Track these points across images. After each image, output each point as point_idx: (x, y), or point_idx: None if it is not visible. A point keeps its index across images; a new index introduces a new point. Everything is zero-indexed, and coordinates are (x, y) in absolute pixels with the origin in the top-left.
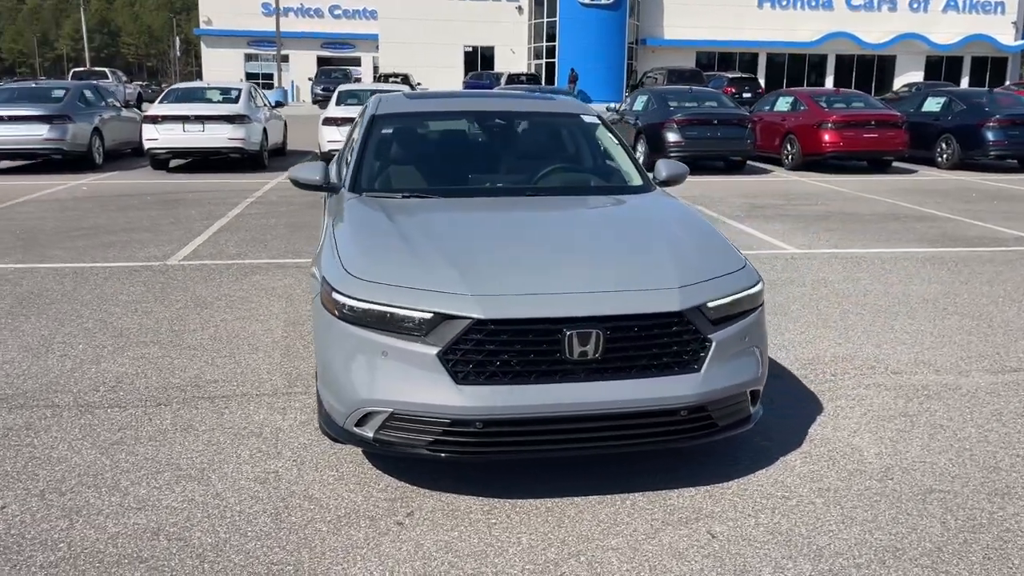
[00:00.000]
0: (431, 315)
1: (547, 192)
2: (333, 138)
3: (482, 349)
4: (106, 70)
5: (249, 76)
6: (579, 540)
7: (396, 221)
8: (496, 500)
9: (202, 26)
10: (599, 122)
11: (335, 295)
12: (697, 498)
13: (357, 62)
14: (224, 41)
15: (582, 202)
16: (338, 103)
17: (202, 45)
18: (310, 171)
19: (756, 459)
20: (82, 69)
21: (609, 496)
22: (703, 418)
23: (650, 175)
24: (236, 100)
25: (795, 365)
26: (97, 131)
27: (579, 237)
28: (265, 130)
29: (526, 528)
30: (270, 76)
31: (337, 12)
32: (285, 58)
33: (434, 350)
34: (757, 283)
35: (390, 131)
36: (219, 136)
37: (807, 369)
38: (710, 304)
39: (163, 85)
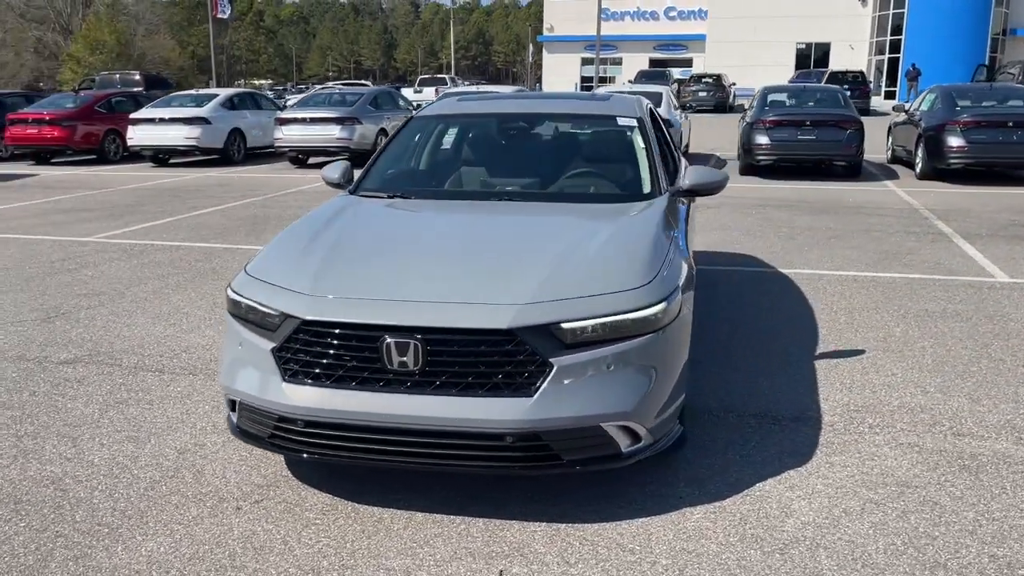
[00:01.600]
0: (277, 313)
1: (533, 198)
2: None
3: (309, 350)
4: (446, 76)
5: (584, 80)
6: (370, 554)
7: (334, 222)
8: (346, 502)
9: (545, 33)
10: (635, 125)
11: (227, 289)
12: (524, 534)
13: (689, 63)
14: (562, 46)
15: (556, 209)
16: None
17: (544, 51)
18: (333, 170)
19: (637, 502)
20: (427, 76)
21: (449, 516)
22: (538, 447)
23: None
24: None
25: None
26: (383, 132)
27: (498, 247)
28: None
29: (338, 530)
30: (605, 79)
31: (672, 14)
32: (619, 61)
33: (270, 346)
34: (649, 306)
35: (417, 133)
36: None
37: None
38: (564, 325)
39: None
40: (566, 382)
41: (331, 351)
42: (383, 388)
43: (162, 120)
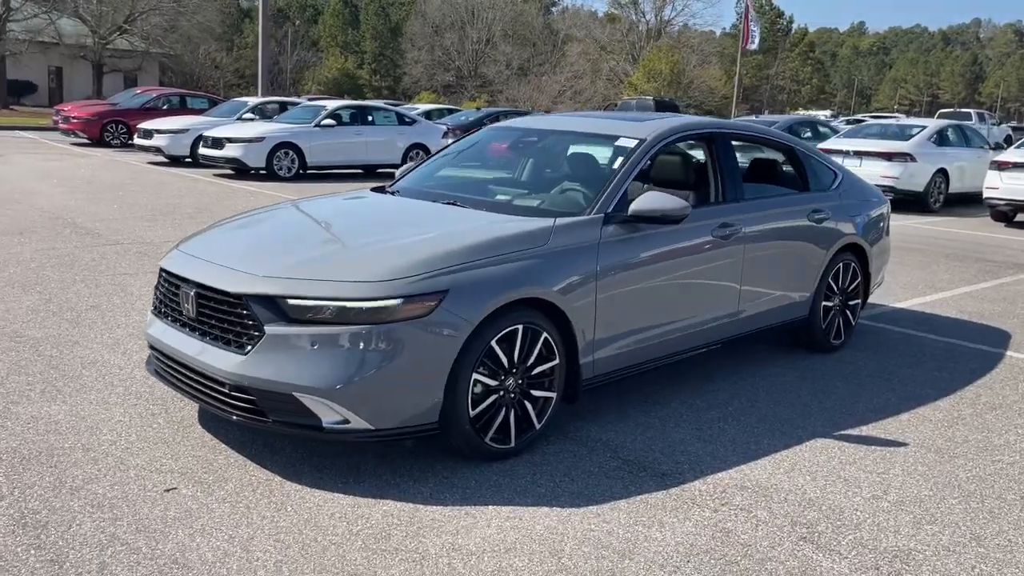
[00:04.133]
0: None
1: (471, 204)
2: (992, 184)
3: (158, 290)
4: (971, 111)
5: None
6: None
7: (294, 205)
8: (282, 480)
9: None
10: (630, 147)
11: None
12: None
13: None
14: None
15: (457, 215)
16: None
17: None
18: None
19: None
20: (948, 110)
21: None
22: (248, 400)
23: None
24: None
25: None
26: (942, 172)
27: (339, 234)
28: (944, 171)
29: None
30: None
31: None
32: None
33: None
34: (374, 299)
35: (461, 143)
36: (872, 172)
37: None
38: (290, 300)
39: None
40: (274, 349)
41: (161, 291)
42: (180, 327)
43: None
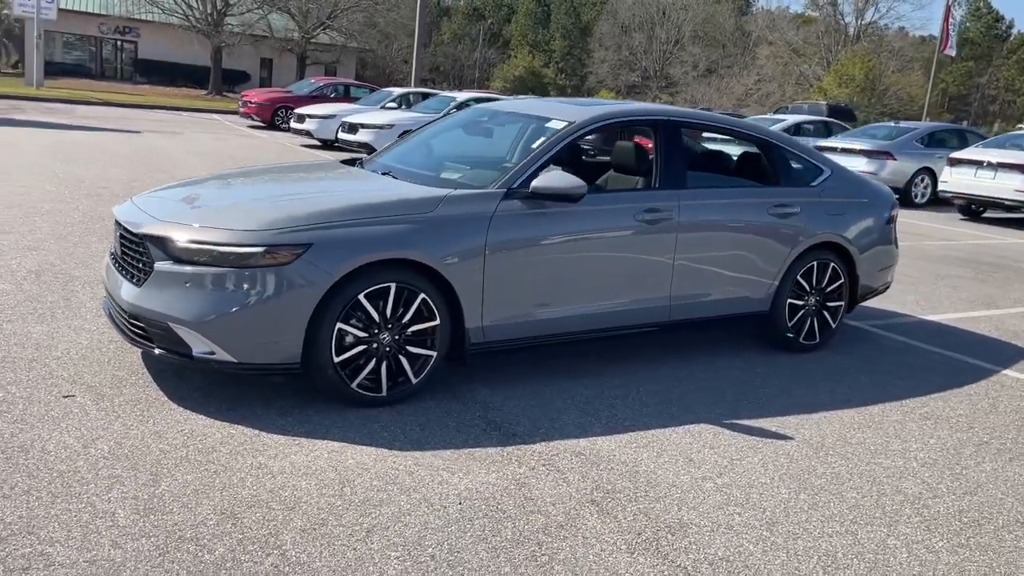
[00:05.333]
0: None
1: (402, 176)
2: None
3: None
4: None
5: None
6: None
7: (259, 167)
8: (167, 400)
9: None
10: (557, 128)
11: None
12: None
13: None
14: None
15: (377, 182)
16: None
17: None
18: None
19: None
20: None
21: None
22: (142, 328)
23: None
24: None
25: None
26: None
27: (263, 191)
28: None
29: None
30: None
31: None
32: None
33: None
34: (242, 245)
35: (437, 124)
36: (1007, 186)
37: None
38: (174, 242)
39: None
40: (159, 284)
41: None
42: (114, 265)
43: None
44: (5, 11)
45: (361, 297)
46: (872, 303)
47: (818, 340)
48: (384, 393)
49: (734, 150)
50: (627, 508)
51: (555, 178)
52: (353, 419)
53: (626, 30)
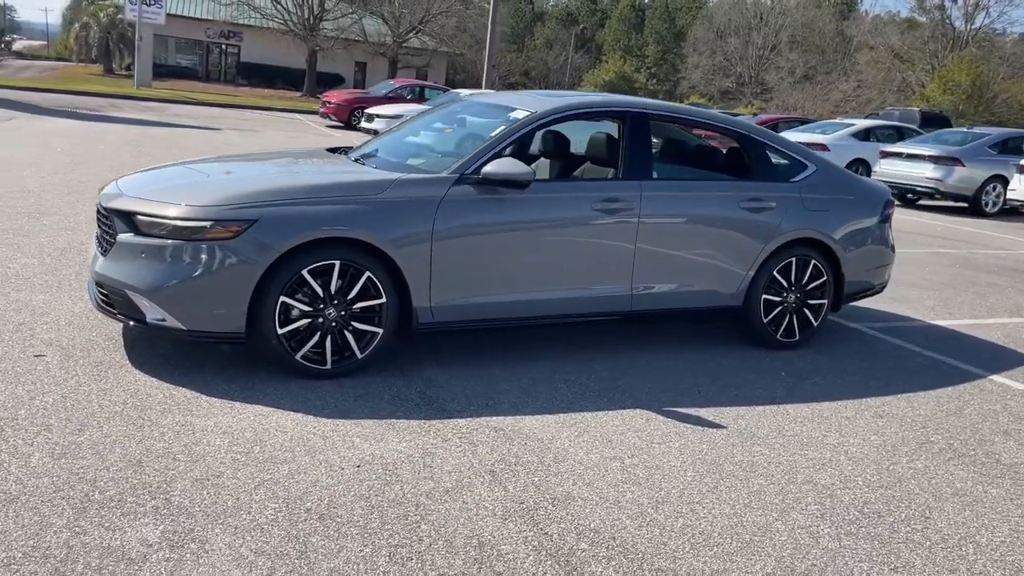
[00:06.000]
0: None
1: (372, 163)
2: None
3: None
4: None
5: None
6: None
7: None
8: (128, 364)
9: None
10: (517, 118)
11: None
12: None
13: None
14: None
15: (340, 167)
16: None
17: None
18: None
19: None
20: None
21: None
22: (108, 296)
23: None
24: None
25: None
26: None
27: (230, 173)
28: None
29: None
30: None
31: None
32: None
33: None
34: (191, 219)
35: (424, 116)
36: None
37: None
38: (137, 216)
39: None
40: (120, 254)
41: None
42: (96, 241)
43: None
44: (120, 16)
45: (305, 273)
46: (880, 306)
47: (798, 338)
48: (329, 366)
49: (722, 145)
50: (520, 480)
51: (503, 164)
52: (295, 388)
53: (722, 35)
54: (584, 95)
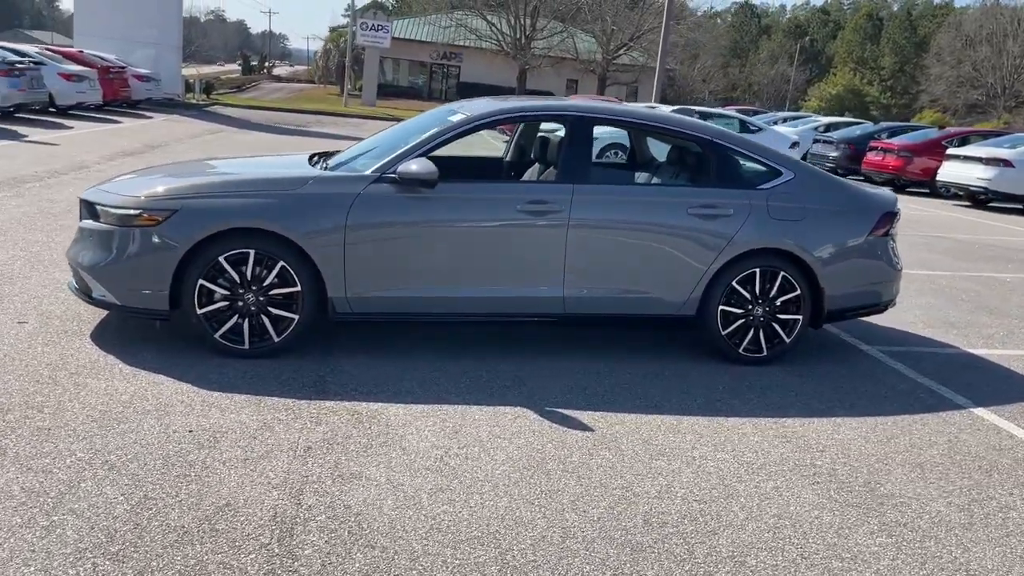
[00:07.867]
0: None
1: (337, 167)
2: None
3: None
4: None
5: None
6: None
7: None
8: (89, 337)
9: None
10: (453, 122)
11: None
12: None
13: None
14: None
15: (288, 165)
16: None
17: None
18: None
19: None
20: None
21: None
22: (73, 274)
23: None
24: None
25: None
26: None
27: (191, 174)
28: None
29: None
30: None
31: None
32: None
33: None
34: (126, 208)
35: (413, 120)
36: None
37: None
38: (97, 206)
39: None
40: (80, 238)
41: None
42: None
43: None
44: (356, 41)
45: (221, 259)
46: (923, 330)
47: (764, 353)
48: (247, 346)
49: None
50: (329, 458)
51: (413, 164)
52: (210, 364)
53: (971, 43)
54: (527, 100)
